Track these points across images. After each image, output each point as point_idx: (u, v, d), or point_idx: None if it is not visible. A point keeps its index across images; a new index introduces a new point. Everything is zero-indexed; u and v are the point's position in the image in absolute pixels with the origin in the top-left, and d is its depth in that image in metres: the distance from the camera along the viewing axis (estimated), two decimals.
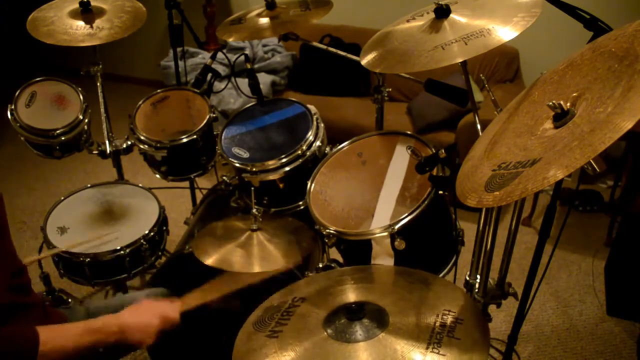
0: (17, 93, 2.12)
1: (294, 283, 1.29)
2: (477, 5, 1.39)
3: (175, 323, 1.33)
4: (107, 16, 2.08)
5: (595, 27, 1.22)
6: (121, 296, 2.05)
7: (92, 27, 2.03)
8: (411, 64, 1.32)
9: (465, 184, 1.03)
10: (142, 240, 1.91)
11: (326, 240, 1.49)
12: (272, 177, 1.72)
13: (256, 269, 1.50)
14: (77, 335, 1.20)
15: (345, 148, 1.68)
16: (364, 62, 1.45)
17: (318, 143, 1.76)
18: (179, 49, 2.48)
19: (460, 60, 1.26)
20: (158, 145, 2.02)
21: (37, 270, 1.65)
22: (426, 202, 1.39)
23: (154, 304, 1.34)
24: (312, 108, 1.86)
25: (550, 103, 0.93)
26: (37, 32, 1.98)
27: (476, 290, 1.47)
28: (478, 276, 1.48)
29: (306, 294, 1.22)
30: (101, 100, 2.24)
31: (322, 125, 1.82)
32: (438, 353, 0.98)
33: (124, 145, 2.25)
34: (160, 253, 2.05)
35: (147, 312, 1.30)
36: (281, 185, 1.74)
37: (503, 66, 3.31)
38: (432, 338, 1.01)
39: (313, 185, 1.61)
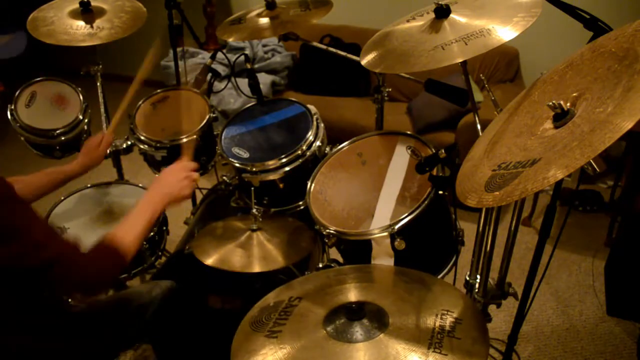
0: (17, 93, 2.12)
1: (288, 282, 1.29)
2: (477, 6, 1.39)
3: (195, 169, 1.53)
4: (107, 16, 2.08)
5: (595, 27, 1.22)
6: (122, 292, 2.06)
7: (92, 27, 2.03)
8: (411, 64, 1.32)
9: (465, 184, 1.03)
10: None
11: (326, 240, 1.49)
12: (272, 177, 1.72)
13: (256, 269, 1.50)
14: (139, 219, 1.34)
15: (345, 148, 1.68)
16: (364, 62, 1.45)
17: (318, 143, 1.75)
18: (179, 49, 2.48)
19: (460, 61, 1.26)
20: (158, 145, 2.02)
21: None
22: (426, 202, 1.39)
23: (170, 168, 1.51)
24: (312, 108, 1.86)
25: (550, 103, 0.93)
26: (37, 32, 1.98)
27: (476, 290, 1.47)
28: (478, 276, 1.48)
29: (303, 293, 1.22)
30: (101, 100, 2.24)
31: (322, 125, 1.82)
32: (440, 353, 0.98)
33: (124, 145, 2.24)
34: (160, 253, 2.05)
35: (170, 172, 1.48)
36: (281, 185, 1.74)
37: (503, 66, 3.31)
38: (433, 339, 1.01)
39: (313, 185, 1.61)
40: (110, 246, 1.24)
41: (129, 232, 1.29)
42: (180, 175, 1.47)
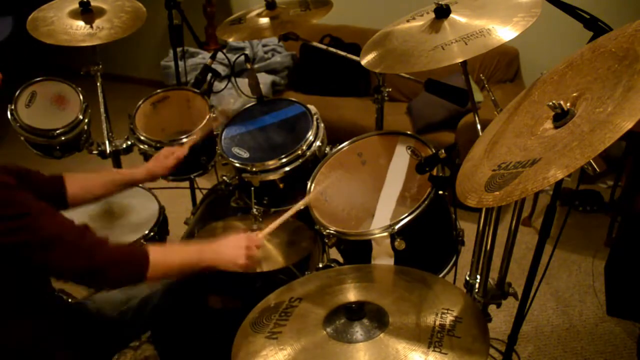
0: (17, 93, 2.12)
1: (289, 283, 1.29)
2: (477, 6, 1.39)
3: (258, 248, 1.42)
4: (107, 16, 2.08)
5: (595, 27, 1.22)
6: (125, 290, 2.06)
7: (92, 27, 2.03)
8: (411, 64, 1.32)
9: (465, 184, 1.03)
10: (142, 240, 1.91)
11: (326, 240, 1.49)
12: (272, 177, 1.72)
13: (256, 269, 1.50)
14: (181, 253, 1.31)
15: (345, 148, 1.68)
16: (364, 62, 1.45)
17: (318, 143, 1.75)
18: (179, 49, 2.48)
19: (461, 60, 1.26)
20: (158, 145, 2.02)
21: None
22: (426, 202, 1.39)
23: (240, 235, 1.41)
24: (312, 108, 1.86)
25: (550, 103, 0.93)
26: (37, 32, 1.98)
27: (476, 290, 1.47)
28: (478, 276, 1.48)
29: (303, 293, 1.22)
30: (101, 100, 2.24)
31: (322, 125, 1.82)
32: (440, 352, 0.98)
33: (124, 145, 2.24)
34: None
35: (234, 240, 1.39)
36: (281, 185, 1.74)
37: (503, 66, 3.31)
38: (433, 338, 1.01)
39: (313, 185, 1.61)
40: (141, 253, 1.23)
41: (164, 256, 1.27)
42: (242, 244, 1.38)
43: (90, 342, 1.40)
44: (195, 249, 1.36)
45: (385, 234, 1.38)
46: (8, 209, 1.10)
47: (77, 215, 2.00)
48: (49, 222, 1.15)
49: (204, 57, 3.63)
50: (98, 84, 2.21)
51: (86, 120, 2.16)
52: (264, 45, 3.77)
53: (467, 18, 1.34)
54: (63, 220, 1.19)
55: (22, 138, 2.12)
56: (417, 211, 1.38)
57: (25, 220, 1.11)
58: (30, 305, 1.26)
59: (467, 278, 1.50)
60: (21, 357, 1.25)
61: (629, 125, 0.77)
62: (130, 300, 1.49)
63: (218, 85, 2.31)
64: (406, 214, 1.38)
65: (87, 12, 2.06)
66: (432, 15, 1.39)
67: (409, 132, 1.63)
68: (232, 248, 1.36)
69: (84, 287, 1.54)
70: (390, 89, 1.89)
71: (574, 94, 0.97)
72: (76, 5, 2.07)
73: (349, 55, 1.84)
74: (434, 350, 0.98)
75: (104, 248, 1.20)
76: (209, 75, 2.17)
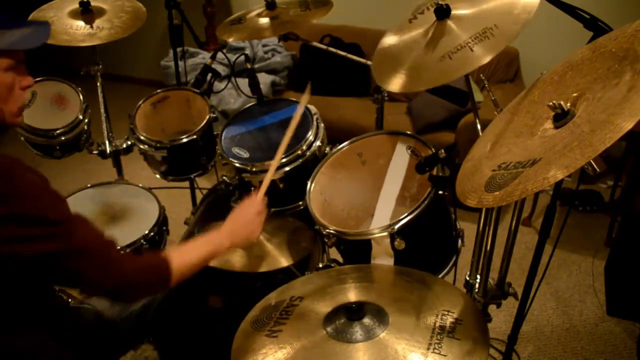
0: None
1: (290, 282, 1.29)
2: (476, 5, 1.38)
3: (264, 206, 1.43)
4: (107, 16, 2.08)
5: (595, 27, 1.22)
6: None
7: (92, 27, 2.03)
8: (440, 76, 1.29)
9: (465, 184, 1.03)
10: (142, 240, 1.91)
11: (326, 240, 1.49)
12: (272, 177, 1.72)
13: (256, 269, 1.50)
14: (199, 249, 1.29)
15: (345, 148, 1.68)
16: (393, 88, 1.38)
17: (318, 143, 1.75)
18: (179, 49, 2.48)
19: (487, 60, 1.22)
20: (158, 145, 2.02)
21: None
22: (426, 202, 1.39)
23: (243, 206, 1.41)
24: (312, 108, 1.86)
25: (551, 103, 0.93)
26: None
27: (476, 290, 1.47)
28: (478, 276, 1.48)
29: (304, 293, 1.22)
30: (101, 100, 2.24)
31: (322, 125, 1.82)
32: (439, 354, 0.98)
33: (124, 145, 2.24)
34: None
35: (242, 215, 1.38)
36: (281, 185, 1.74)
37: (503, 66, 3.30)
38: (433, 339, 1.01)
39: (313, 185, 1.61)
40: (162, 261, 1.20)
41: (183, 257, 1.25)
42: (251, 213, 1.38)
43: (91, 345, 1.39)
44: (212, 240, 1.33)
45: (385, 233, 1.38)
46: (49, 212, 1.05)
47: None
48: (82, 232, 1.12)
49: (204, 57, 3.63)
50: (98, 84, 2.21)
51: (86, 120, 2.16)
52: (264, 45, 3.77)
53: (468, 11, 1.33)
54: (95, 231, 1.15)
55: (22, 138, 2.12)
56: (417, 211, 1.38)
57: (60, 228, 1.07)
58: (36, 311, 1.25)
59: (467, 278, 1.50)
60: None
61: (629, 125, 0.77)
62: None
63: (218, 85, 2.31)
64: (406, 214, 1.38)
65: (87, 12, 2.06)
66: (432, 16, 1.39)
67: (409, 132, 1.63)
68: (245, 224, 1.36)
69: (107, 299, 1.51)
70: None
71: (574, 94, 0.97)
72: (76, 5, 2.07)
73: (349, 55, 1.84)
74: (433, 352, 0.98)
75: (129, 264, 1.17)
76: (209, 75, 2.17)
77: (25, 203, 1.03)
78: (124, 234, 1.93)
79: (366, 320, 1.07)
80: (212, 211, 2.08)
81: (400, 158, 1.60)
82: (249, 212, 1.38)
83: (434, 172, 1.39)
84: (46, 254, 1.05)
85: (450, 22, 1.35)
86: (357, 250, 1.52)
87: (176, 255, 1.23)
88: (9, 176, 1.02)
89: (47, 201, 1.07)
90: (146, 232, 1.93)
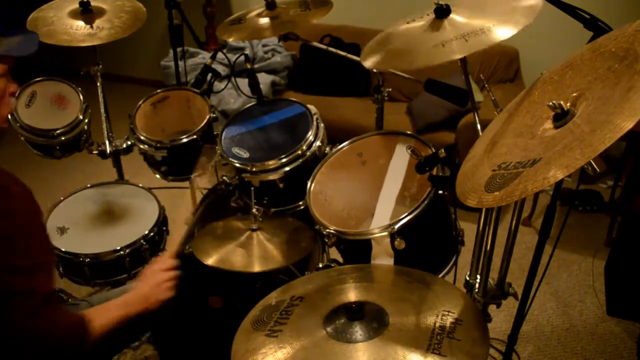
0: (17, 93, 2.12)
1: (291, 281, 1.29)
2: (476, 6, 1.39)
3: (174, 267, 1.46)
4: (107, 16, 2.08)
5: (595, 27, 1.22)
6: (122, 288, 2.06)
7: (92, 27, 2.03)
8: (409, 62, 1.32)
9: (465, 184, 1.03)
10: (142, 240, 1.91)
11: (326, 240, 1.49)
12: (272, 177, 1.72)
13: (256, 268, 1.50)
14: (114, 312, 1.31)
15: (345, 148, 1.68)
16: (368, 64, 1.43)
17: (318, 143, 1.75)
18: (179, 49, 2.48)
19: (460, 57, 1.25)
20: (158, 145, 2.02)
21: None
22: (426, 202, 1.39)
23: (151, 267, 1.45)
24: (312, 108, 1.86)
25: (550, 103, 0.93)
26: (37, 32, 1.98)
27: (476, 290, 1.47)
28: (478, 276, 1.47)
29: (304, 292, 1.22)
30: (101, 100, 2.24)
31: (322, 125, 1.82)
32: (439, 354, 0.98)
33: (124, 145, 2.24)
34: (160, 253, 2.05)
35: (151, 275, 1.42)
36: (281, 185, 1.74)
37: (503, 66, 3.30)
38: (433, 339, 1.01)
39: (313, 185, 1.61)
40: (78, 318, 1.21)
41: (100, 316, 1.27)
42: (158, 278, 1.41)
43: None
44: (123, 303, 1.35)
45: (385, 233, 1.38)
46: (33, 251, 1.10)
47: (77, 216, 2.02)
48: (43, 279, 1.13)
49: (204, 57, 3.63)
50: (98, 84, 2.21)
51: (86, 120, 2.16)
52: (264, 45, 3.77)
53: (466, 18, 1.34)
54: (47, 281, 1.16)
55: (22, 138, 2.12)
56: (417, 211, 1.38)
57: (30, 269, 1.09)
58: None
59: (467, 278, 1.50)
60: None
61: (629, 125, 0.77)
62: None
63: (218, 85, 2.31)
64: (406, 214, 1.38)
65: (87, 12, 2.06)
66: (432, 16, 1.39)
67: (409, 132, 1.63)
68: (155, 286, 1.40)
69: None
70: (390, 89, 1.89)
71: (574, 94, 0.97)
72: (76, 5, 2.07)
73: (349, 55, 1.84)
74: (433, 352, 0.98)
75: (51, 318, 1.16)
76: (209, 75, 2.17)
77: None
78: (124, 234, 1.93)
79: (366, 320, 1.07)
80: (212, 211, 2.07)
81: (400, 158, 1.60)
82: (159, 275, 1.41)
83: (434, 172, 1.39)
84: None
85: (446, 22, 1.36)
86: (357, 250, 1.52)
87: (93, 316, 1.24)
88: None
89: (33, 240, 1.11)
90: (146, 232, 1.94)
